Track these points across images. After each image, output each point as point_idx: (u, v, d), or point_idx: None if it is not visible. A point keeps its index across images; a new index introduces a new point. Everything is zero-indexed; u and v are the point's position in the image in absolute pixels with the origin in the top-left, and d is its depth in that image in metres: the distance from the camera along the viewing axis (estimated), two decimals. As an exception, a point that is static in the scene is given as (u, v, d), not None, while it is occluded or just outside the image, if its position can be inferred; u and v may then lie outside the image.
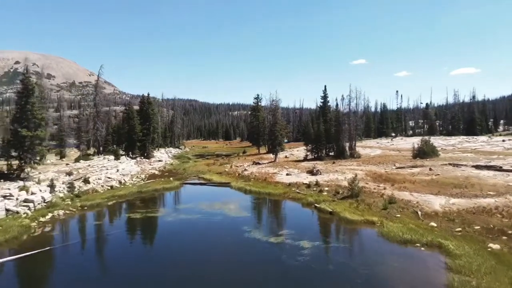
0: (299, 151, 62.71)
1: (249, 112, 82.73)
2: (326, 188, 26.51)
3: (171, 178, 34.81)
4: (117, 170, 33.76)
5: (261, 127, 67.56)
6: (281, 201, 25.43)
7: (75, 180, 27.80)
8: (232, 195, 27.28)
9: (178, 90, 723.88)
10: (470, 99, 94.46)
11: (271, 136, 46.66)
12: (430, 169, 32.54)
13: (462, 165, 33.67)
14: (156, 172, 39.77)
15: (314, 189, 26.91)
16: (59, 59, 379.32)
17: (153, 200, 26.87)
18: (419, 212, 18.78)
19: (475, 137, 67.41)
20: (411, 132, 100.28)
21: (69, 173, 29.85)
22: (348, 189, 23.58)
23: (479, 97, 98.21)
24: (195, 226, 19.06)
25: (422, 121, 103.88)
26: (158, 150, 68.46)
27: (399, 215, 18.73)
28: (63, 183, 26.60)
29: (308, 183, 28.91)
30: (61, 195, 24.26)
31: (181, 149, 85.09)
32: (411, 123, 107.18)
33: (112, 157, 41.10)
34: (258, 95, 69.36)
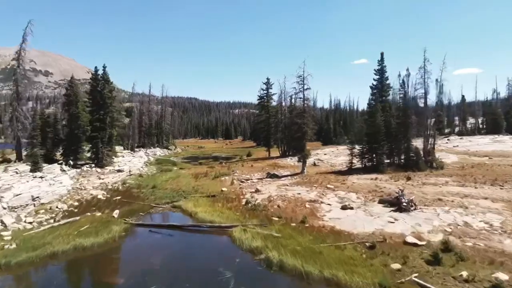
0: (327, 154, 45.59)
1: (256, 104, 65.22)
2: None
3: (114, 213, 17.64)
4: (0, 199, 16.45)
5: (273, 122, 50.39)
6: None
7: None
8: None
9: (178, 89, 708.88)
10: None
11: (297, 132, 28.98)
12: None
13: None
14: (100, 195, 22.38)
15: (460, 274, 9.70)
16: (58, 56, 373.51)
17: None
18: None
19: None
20: (448, 130, 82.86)
21: None
22: None
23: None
24: None
25: (457, 117, 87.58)
26: (135, 152, 51.59)
27: None
28: None
29: (421, 243, 11.83)
30: None
31: (170, 149, 68.64)
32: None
33: (28, 167, 23.88)
34: (268, 79, 51.89)
